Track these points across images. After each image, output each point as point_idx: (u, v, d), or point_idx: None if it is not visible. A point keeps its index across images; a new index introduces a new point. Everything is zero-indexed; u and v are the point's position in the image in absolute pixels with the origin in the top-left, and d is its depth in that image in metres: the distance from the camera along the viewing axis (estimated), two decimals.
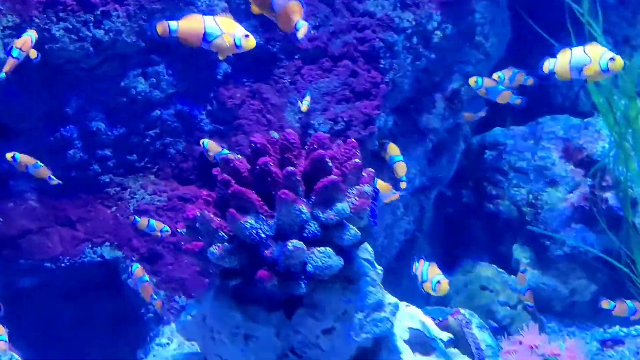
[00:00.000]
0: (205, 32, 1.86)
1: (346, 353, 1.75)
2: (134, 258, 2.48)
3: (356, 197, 1.74)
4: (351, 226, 1.72)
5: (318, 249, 1.68)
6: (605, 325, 3.56)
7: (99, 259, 2.52)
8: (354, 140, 1.87)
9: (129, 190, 2.53)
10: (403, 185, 2.81)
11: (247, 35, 1.87)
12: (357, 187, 1.77)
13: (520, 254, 3.74)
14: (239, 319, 1.77)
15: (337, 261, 1.67)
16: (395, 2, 2.71)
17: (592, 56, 1.79)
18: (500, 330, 3.40)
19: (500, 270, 3.83)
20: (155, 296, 2.33)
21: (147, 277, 2.33)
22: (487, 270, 3.72)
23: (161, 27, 1.90)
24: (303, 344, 1.76)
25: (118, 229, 2.51)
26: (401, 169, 2.78)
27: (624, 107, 3.18)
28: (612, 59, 1.81)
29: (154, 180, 2.52)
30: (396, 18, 2.71)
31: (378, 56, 2.67)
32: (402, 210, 3.13)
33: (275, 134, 1.89)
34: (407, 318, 1.98)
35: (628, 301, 2.86)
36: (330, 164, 1.75)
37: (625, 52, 4.57)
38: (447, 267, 4.04)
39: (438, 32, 2.97)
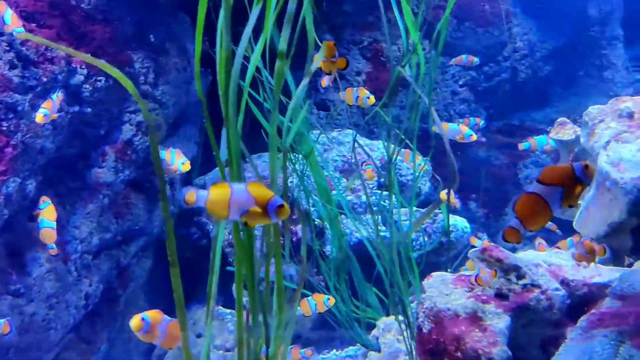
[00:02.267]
0: None
1: None
2: None
3: None
4: None
5: None
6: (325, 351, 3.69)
7: None
8: None
9: None
10: (53, 252, 2.63)
11: None
12: None
13: (238, 293, 3.74)
14: None
15: None
16: (12, 60, 2.54)
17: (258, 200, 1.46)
18: None
19: (226, 310, 3.81)
20: None
21: None
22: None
23: None
24: None
25: None
26: (47, 236, 2.58)
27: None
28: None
29: None
30: (16, 77, 2.55)
31: None
32: (75, 275, 2.94)
33: None
34: None
35: None
36: None
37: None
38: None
39: (87, 86, 2.86)
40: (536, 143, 4.02)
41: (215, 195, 1.43)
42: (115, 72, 1.43)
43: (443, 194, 3.02)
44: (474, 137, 3.48)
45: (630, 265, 2.36)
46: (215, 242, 1.80)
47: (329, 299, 2.91)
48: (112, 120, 3.07)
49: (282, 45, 1.58)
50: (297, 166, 3.34)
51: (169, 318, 1.94)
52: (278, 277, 1.72)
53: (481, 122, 4.57)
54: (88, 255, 3.03)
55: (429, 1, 4.92)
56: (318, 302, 2.93)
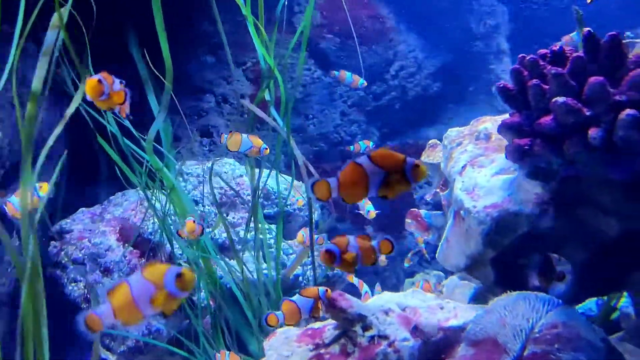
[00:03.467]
0: None
1: None
2: None
3: None
4: None
5: None
6: None
7: None
8: None
9: None
10: None
11: None
12: None
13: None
14: None
15: None
16: None
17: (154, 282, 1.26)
18: None
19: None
20: None
21: None
22: None
23: None
24: None
25: None
26: None
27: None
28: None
29: None
30: None
31: None
32: None
33: None
34: None
35: None
36: None
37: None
38: None
39: None
40: None
41: (118, 301, 1.22)
42: None
43: (299, 235, 2.79)
44: (373, 215, 3.77)
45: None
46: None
47: None
48: None
49: (36, 84, 1.29)
50: (157, 204, 3.02)
51: None
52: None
53: (370, 143, 4.43)
54: None
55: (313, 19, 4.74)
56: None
